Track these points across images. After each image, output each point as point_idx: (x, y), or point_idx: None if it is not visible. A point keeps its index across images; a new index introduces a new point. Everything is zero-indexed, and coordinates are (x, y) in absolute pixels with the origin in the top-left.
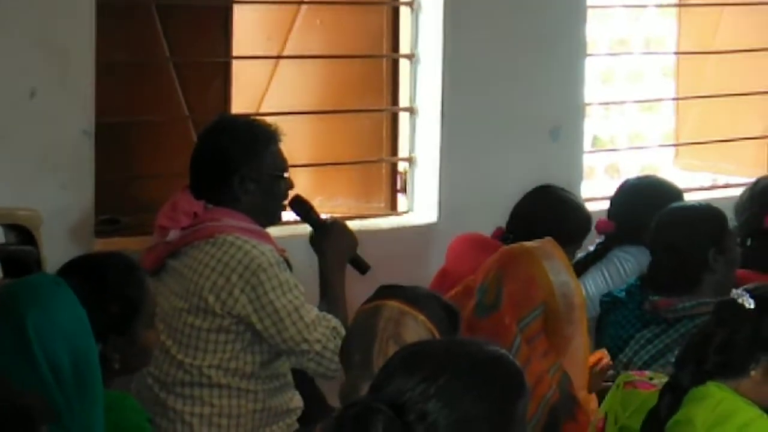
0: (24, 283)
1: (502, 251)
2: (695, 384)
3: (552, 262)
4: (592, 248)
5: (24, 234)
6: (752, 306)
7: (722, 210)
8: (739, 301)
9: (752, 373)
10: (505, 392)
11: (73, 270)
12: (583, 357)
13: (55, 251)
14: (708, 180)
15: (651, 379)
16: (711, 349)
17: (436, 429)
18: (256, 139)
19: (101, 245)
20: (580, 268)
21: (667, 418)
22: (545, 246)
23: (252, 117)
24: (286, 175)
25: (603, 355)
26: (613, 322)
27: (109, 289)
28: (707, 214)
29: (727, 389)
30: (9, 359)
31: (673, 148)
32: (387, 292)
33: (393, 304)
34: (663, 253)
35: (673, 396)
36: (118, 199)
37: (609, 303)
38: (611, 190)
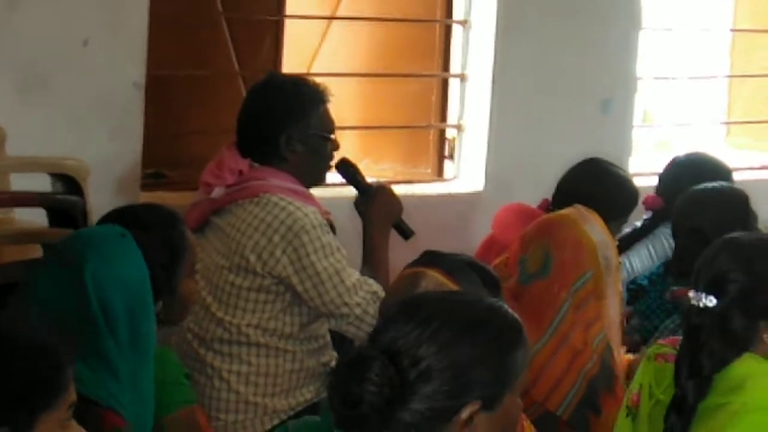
0: (89, 232)
1: (539, 221)
2: (701, 397)
3: (590, 224)
4: (638, 224)
5: (71, 184)
6: (714, 303)
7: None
8: (701, 304)
9: (764, 336)
10: (501, 340)
11: (114, 218)
12: (618, 315)
13: (101, 202)
14: (758, 160)
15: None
16: (704, 357)
17: (429, 373)
18: (304, 99)
19: (147, 198)
20: (626, 244)
21: None
22: (580, 211)
23: (301, 77)
24: (332, 136)
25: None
26: (638, 311)
27: (150, 236)
28: (730, 195)
29: (760, 358)
30: (65, 301)
31: (724, 126)
32: (429, 259)
33: (432, 274)
34: (687, 237)
35: (681, 415)
36: (165, 153)
37: (634, 291)
38: (660, 166)
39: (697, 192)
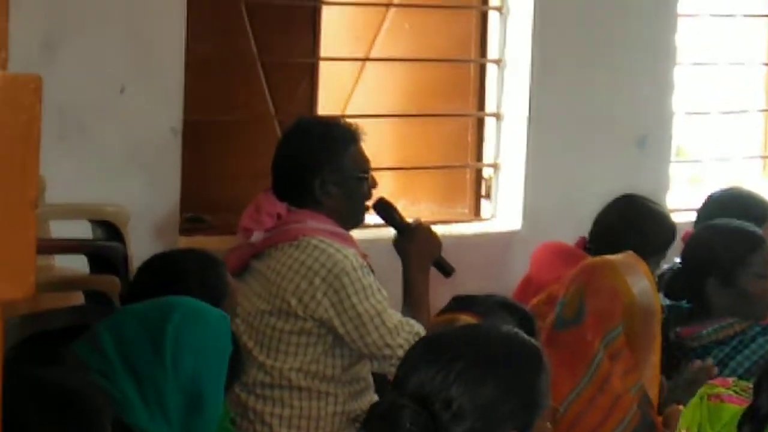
0: (191, 299)
1: (583, 264)
2: None
3: (635, 276)
4: (677, 260)
5: (111, 230)
6: None
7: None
8: None
9: None
10: (522, 370)
11: (155, 263)
12: (655, 374)
13: (141, 248)
14: None
15: (737, 390)
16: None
17: (462, 413)
18: (335, 140)
19: (186, 243)
20: (665, 280)
21: None
22: (628, 260)
23: (332, 118)
24: (368, 175)
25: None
26: None
27: (190, 281)
28: (742, 233)
29: None
30: (139, 346)
31: (760, 160)
32: (460, 304)
33: (465, 319)
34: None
35: (754, 424)
36: (203, 197)
37: None
38: (697, 202)
39: (707, 230)
